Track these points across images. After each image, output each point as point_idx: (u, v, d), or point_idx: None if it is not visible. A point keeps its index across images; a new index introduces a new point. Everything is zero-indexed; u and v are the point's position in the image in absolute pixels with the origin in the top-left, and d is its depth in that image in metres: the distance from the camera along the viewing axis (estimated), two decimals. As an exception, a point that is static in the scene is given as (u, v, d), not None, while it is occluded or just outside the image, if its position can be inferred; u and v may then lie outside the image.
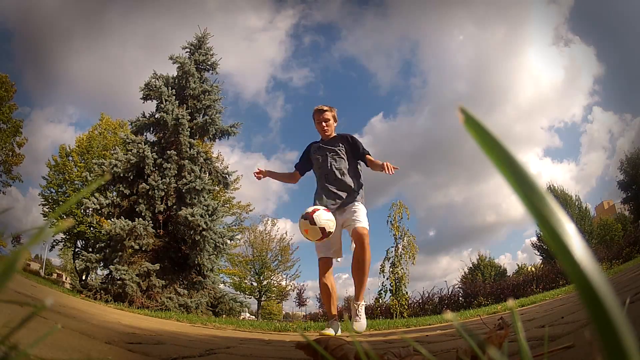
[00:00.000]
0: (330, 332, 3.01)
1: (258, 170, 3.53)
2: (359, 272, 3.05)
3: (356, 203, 3.22)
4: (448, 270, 39.72)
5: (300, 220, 2.98)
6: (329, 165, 3.33)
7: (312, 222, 2.90)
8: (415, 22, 46.22)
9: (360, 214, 3.15)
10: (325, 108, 3.45)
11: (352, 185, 3.30)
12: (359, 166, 3.44)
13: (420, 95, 42.31)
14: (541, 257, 19.08)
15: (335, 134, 3.51)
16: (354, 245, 3.09)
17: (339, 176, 3.29)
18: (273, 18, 42.01)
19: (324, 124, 3.43)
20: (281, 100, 43.47)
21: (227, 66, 40.12)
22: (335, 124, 3.51)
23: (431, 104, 42.15)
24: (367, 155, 3.40)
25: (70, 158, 17.04)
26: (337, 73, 45.77)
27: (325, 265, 3.21)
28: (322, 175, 3.36)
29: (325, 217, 2.94)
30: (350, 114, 43.32)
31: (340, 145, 3.42)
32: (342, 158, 3.37)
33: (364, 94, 46.92)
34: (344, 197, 3.24)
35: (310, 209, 2.97)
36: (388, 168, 3.08)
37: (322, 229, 2.91)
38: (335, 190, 3.25)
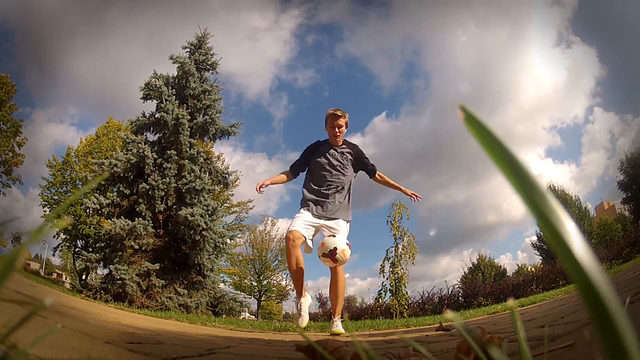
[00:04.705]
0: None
1: (260, 186, 3.37)
2: (340, 292, 3.20)
3: (342, 221, 3.27)
4: (448, 270, 39.72)
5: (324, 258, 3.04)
6: (332, 172, 3.31)
7: (335, 261, 3.01)
8: (418, 23, 46.06)
9: (343, 233, 3.20)
10: (339, 113, 3.34)
11: (345, 198, 3.33)
12: (353, 179, 3.47)
13: (423, 96, 42.27)
14: (541, 257, 19.12)
15: (343, 140, 3.45)
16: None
17: (337, 186, 3.30)
18: (278, 18, 41.90)
19: (336, 130, 3.34)
20: (285, 100, 43.35)
21: (231, 66, 39.90)
22: (345, 130, 3.43)
23: (434, 105, 42.11)
24: (379, 172, 3.51)
25: (73, 156, 17.02)
26: (340, 74, 45.59)
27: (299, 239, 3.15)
28: (322, 179, 3.31)
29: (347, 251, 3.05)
30: (352, 114, 42.98)
31: (349, 155, 3.41)
32: (347, 168, 3.37)
33: (367, 95, 46.85)
34: (335, 208, 3.26)
35: (331, 246, 2.99)
36: (415, 196, 3.40)
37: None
38: (330, 199, 3.25)
